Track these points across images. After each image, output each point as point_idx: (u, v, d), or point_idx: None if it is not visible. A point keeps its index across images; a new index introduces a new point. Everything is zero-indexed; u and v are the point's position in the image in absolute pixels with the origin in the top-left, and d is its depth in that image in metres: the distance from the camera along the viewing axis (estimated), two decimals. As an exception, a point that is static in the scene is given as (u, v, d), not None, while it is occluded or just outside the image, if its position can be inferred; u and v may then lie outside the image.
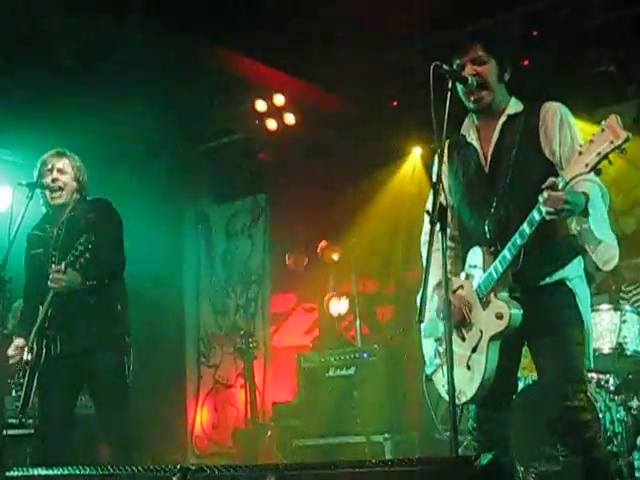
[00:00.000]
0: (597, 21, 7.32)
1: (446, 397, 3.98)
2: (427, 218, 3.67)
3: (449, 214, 4.09)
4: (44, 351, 5.20)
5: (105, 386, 5.28)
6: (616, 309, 6.24)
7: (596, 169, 3.48)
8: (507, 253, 3.87)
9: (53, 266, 5.15)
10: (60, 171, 5.46)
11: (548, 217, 3.63)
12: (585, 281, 4.06)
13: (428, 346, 4.33)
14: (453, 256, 4.26)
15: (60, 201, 5.46)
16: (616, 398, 6.10)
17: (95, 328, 5.27)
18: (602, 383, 6.16)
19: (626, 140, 3.37)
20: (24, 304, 5.60)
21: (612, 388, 6.12)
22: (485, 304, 3.98)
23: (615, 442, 5.94)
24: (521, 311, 3.90)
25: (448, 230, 3.97)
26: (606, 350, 6.13)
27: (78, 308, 5.27)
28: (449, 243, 4.19)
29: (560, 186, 3.57)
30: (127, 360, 5.40)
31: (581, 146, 3.53)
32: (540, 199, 3.61)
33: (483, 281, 3.99)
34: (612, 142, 3.39)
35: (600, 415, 5.88)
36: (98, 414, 5.37)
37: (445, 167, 4.23)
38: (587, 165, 3.47)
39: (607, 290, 6.73)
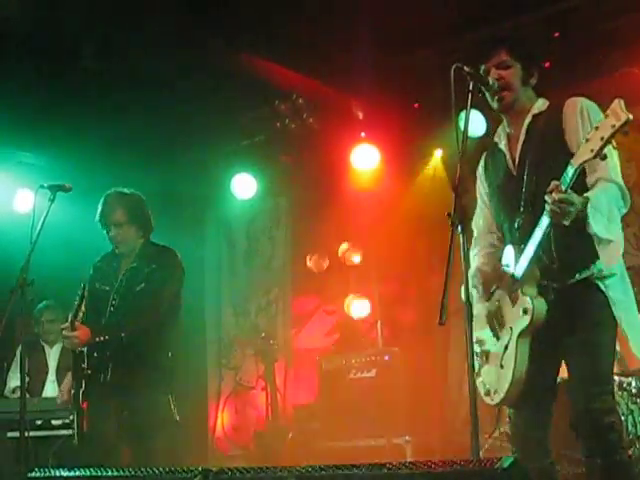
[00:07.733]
0: (619, 21, 7.28)
1: (485, 399, 4.05)
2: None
3: (489, 220, 4.27)
4: (81, 394, 5.18)
5: (147, 423, 5.27)
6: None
7: (601, 154, 3.50)
8: (530, 248, 3.89)
9: (111, 307, 5.28)
10: (116, 225, 5.48)
11: (558, 222, 3.67)
12: (627, 280, 4.03)
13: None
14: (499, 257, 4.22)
15: (122, 250, 5.55)
16: (638, 401, 6.06)
17: (139, 376, 5.27)
18: (624, 386, 6.12)
19: (626, 121, 3.40)
20: None
21: (634, 391, 6.08)
22: (514, 301, 4.00)
23: (637, 445, 5.90)
24: (545, 305, 3.91)
25: (490, 236, 4.21)
26: (628, 352, 6.09)
27: (124, 354, 5.27)
28: (496, 243, 4.28)
29: (570, 173, 3.60)
30: (172, 399, 5.39)
31: (588, 133, 3.56)
32: (546, 207, 3.66)
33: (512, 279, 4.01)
34: (614, 125, 3.42)
35: (622, 418, 5.84)
36: (136, 448, 5.36)
37: (481, 174, 4.35)
38: (592, 151, 3.51)
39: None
